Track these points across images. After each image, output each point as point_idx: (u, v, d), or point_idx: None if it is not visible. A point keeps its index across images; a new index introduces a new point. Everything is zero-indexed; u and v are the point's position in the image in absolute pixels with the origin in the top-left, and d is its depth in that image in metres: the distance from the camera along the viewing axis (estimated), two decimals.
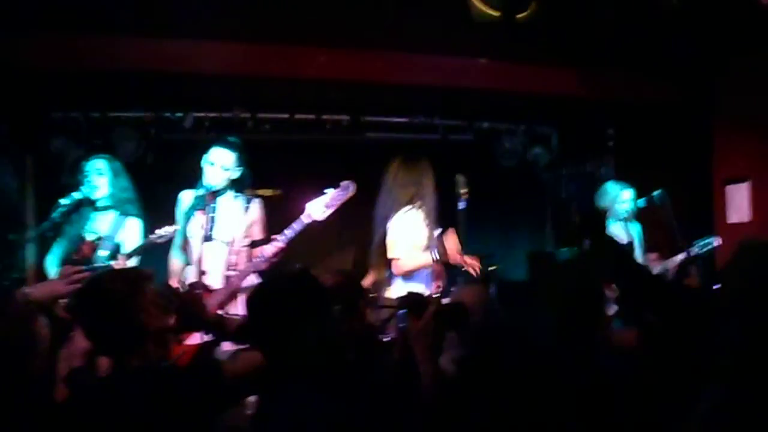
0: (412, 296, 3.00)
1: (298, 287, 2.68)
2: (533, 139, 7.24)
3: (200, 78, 6.09)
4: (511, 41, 5.82)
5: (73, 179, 5.16)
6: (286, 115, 6.77)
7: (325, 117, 6.82)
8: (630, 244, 5.93)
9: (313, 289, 2.70)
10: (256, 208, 4.88)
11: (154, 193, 5.48)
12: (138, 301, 2.63)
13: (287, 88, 6.38)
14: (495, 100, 6.73)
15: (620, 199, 5.94)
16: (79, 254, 4.88)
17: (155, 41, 5.71)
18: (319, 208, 4.68)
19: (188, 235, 4.75)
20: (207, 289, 4.53)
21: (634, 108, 6.79)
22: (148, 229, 4.93)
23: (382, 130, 7.00)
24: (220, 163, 4.72)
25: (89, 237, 4.93)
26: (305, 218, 4.64)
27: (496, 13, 5.05)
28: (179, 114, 6.61)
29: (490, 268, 5.57)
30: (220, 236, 4.66)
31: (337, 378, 2.62)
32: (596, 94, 6.59)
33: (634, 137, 7.04)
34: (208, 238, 4.56)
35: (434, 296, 4.15)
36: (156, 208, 5.36)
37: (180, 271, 4.82)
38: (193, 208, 4.66)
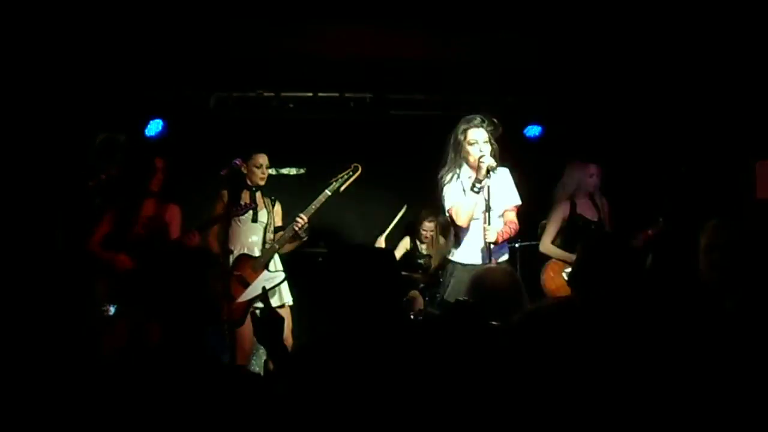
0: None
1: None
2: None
3: (224, 58, 6.10)
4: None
5: (101, 160, 5.30)
6: (309, 94, 6.79)
7: (348, 95, 6.82)
8: (599, 222, 5.94)
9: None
10: (278, 204, 5.99)
11: (181, 172, 5.63)
12: (206, 278, 2.72)
13: (311, 66, 6.35)
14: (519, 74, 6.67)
15: (587, 173, 5.92)
16: (133, 236, 5.32)
17: (181, 20, 5.71)
18: (331, 189, 5.68)
19: (234, 220, 5.69)
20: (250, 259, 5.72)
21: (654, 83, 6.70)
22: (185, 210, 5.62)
23: (406, 107, 6.98)
24: (266, 166, 5.81)
25: (142, 218, 5.38)
26: (321, 197, 5.62)
27: None
28: (203, 93, 6.64)
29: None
30: (261, 220, 5.81)
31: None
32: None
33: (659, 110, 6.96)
34: (255, 220, 5.75)
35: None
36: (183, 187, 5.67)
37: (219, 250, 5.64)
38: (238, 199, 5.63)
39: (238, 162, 5.43)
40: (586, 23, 5.96)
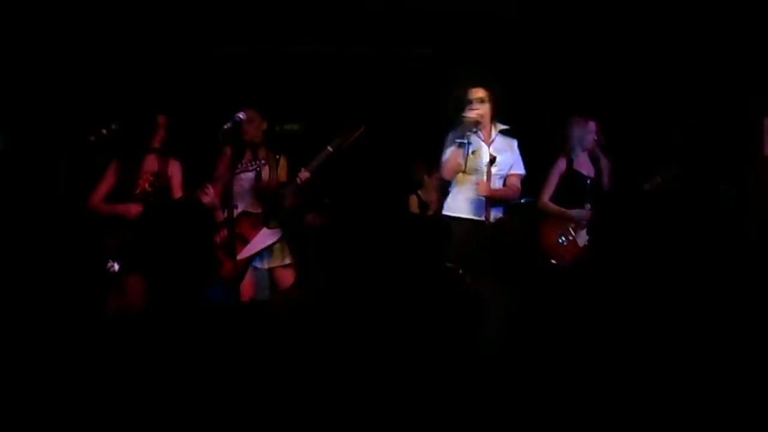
0: None
1: None
2: None
3: (225, 12, 6.04)
4: None
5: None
6: (311, 48, 6.76)
7: (349, 49, 6.79)
8: (596, 179, 5.92)
9: None
10: (284, 159, 5.78)
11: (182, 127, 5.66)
12: (207, 228, 2.69)
13: (312, 20, 6.28)
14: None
15: (587, 130, 5.88)
16: (139, 189, 5.32)
17: None
18: (333, 145, 5.50)
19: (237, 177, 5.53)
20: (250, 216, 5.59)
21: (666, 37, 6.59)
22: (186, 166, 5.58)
23: (411, 61, 6.94)
24: (257, 122, 5.61)
25: (146, 174, 5.37)
26: (324, 153, 5.48)
27: None
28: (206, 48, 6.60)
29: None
30: (263, 178, 5.63)
31: None
32: None
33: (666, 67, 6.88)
34: (258, 178, 5.57)
35: None
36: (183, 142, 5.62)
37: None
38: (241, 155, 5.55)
39: (241, 116, 5.29)
40: None
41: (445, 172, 5.12)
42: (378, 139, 5.95)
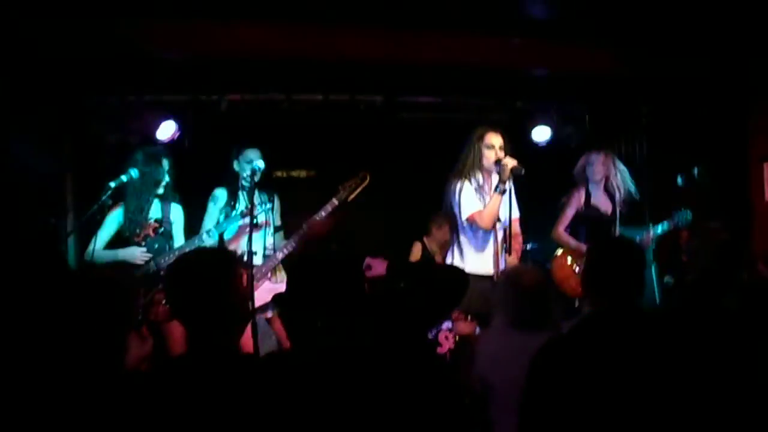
0: None
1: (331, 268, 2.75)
2: (565, 119, 7.19)
3: (235, 60, 6.11)
4: (544, 19, 5.78)
5: (116, 163, 5.41)
6: (320, 97, 6.80)
7: (359, 98, 6.84)
8: (612, 216, 5.91)
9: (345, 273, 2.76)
10: (277, 200, 5.66)
11: (188, 176, 5.69)
12: (229, 282, 2.64)
13: (321, 69, 6.36)
14: (528, 78, 6.67)
15: (588, 161, 5.95)
16: (140, 236, 5.30)
17: (190, 24, 5.72)
18: (339, 197, 5.38)
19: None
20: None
21: (667, 85, 6.69)
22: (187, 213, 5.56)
23: (416, 110, 7.01)
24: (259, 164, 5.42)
25: (150, 220, 5.35)
26: (329, 205, 5.35)
27: None
28: (215, 97, 6.65)
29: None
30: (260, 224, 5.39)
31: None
32: (629, 71, 6.50)
33: (668, 115, 6.97)
34: (256, 226, 5.20)
35: None
36: (190, 190, 5.67)
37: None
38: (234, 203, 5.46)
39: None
40: (591, 25, 5.98)
41: (488, 223, 5.01)
42: (383, 188, 6.00)
